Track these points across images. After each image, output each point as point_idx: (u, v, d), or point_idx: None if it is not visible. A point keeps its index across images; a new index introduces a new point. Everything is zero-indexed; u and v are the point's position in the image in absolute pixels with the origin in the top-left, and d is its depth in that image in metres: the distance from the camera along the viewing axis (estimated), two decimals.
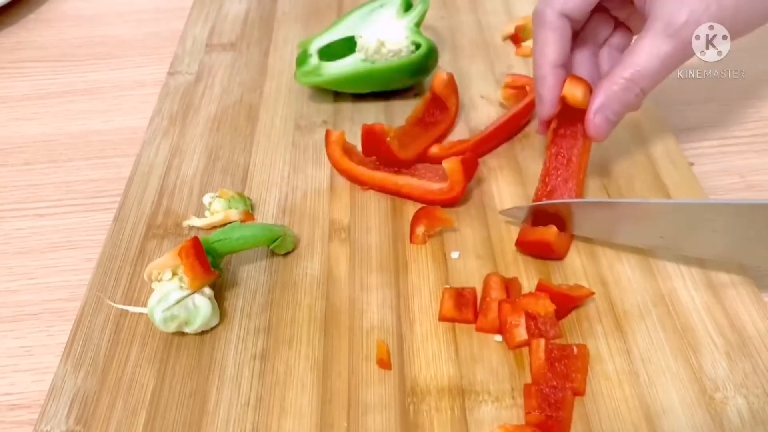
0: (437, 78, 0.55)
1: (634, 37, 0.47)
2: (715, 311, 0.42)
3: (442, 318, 0.43)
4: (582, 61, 0.49)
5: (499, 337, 0.42)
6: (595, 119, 0.45)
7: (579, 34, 0.48)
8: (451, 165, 0.48)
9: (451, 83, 0.55)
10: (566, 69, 0.47)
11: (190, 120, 0.61)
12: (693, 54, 0.43)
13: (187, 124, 0.60)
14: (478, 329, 0.42)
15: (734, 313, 0.42)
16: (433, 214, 0.48)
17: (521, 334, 0.41)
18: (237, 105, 0.62)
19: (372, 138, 0.51)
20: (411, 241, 0.48)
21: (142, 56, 0.72)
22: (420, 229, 0.48)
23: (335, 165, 0.53)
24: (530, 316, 0.41)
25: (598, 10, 0.48)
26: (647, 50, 0.42)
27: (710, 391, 0.38)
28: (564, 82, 0.46)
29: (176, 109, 0.62)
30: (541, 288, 0.43)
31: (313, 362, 0.41)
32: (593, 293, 0.43)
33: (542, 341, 0.40)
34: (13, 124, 0.64)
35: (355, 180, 0.53)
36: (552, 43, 0.46)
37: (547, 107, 0.47)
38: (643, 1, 0.44)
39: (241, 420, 0.39)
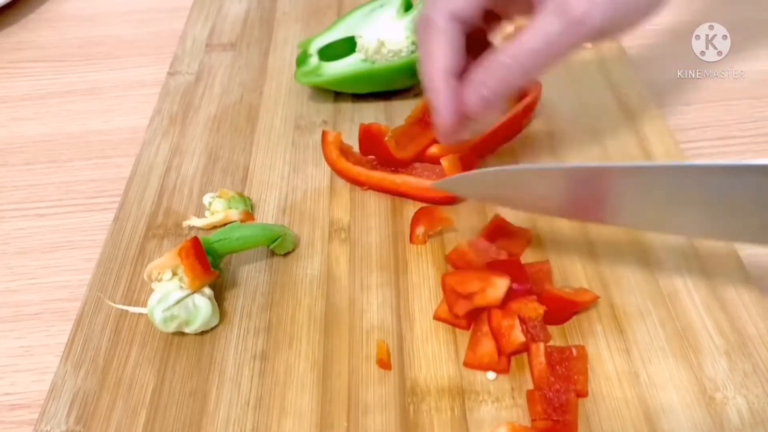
0: None
1: None
2: (715, 311, 0.42)
3: (437, 317, 0.43)
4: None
5: (492, 374, 0.40)
6: (471, 95, 0.42)
7: (478, 40, 0.46)
8: (449, 162, 0.49)
9: None
10: (459, 78, 0.43)
11: (190, 120, 0.61)
12: (585, 39, 0.40)
13: (187, 124, 0.60)
14: (466, 365, 0.40)
15: (734, 313, 0.42)
16: (433, 214, 0.48)
17: (518, 336, 0.40)
18: (237, 105, 0.62)
19: (369, 137, 0.51)
20: (411, 241, 0.48)
21: (142, 56, 0.72)
22: (420, 230, 0.48)
23: (332, 166, 0.53)
24: (521, 320, 0.41)
25: (496, 17, 0.46)
26: (534, 28, 0.40)
27: (710, 391, 0.38)
28: (457, 93, 0.42)
29: (176, 109, 0.62)
30: (543, 293, 0.42)
31: (313, 362, 0.41)
32: (597, 297, 0.42)
33: (541, 345, 0.40)
34: (13, 124, 0.64)
35: (352, 180, 0.53)
36: (442, 49, 0.42)
37: (446, 118, 0.43)
38: None
39: (241, 420, 0.39)
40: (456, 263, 0.46)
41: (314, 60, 0.59)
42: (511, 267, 0.43)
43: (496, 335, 0.41)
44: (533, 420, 0.38)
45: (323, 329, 0.43)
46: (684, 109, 0.59)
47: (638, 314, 0.42)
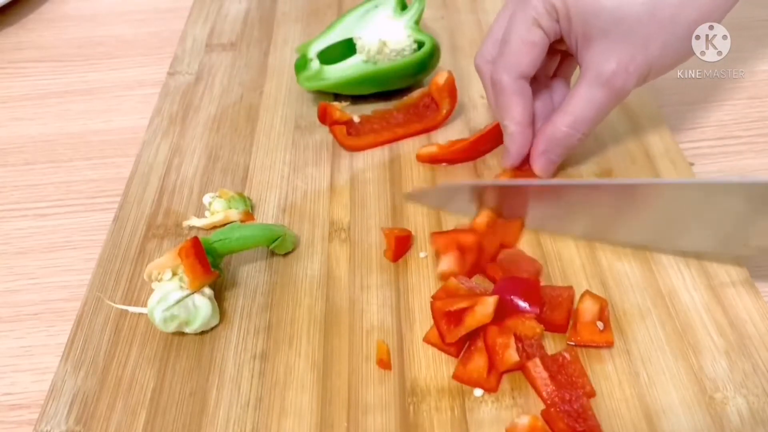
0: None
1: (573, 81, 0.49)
2: (715, 311, 0.42)
3: (426, 341, 0.42)
4: (537, 97, 0.50)
5: (479, 392, 0.39)
6: (540, 160, 0.49)
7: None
8: (438, 89, 0.55)
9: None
10: (533, 126, 0.49)
11: (190, 120, 0.61)
12: (626, 96, 0.46)
13: (187, 124, 0.60)
14: (455, 377, 0.40)
15: (734, 313, 0.42)
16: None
17: (512, 355, 0.39)
18: (237, 105, 0.62)
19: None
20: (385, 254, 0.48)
21: (142, 56, 0.72)
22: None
23: (342, 143, 0.56)
24: (517, 338, 0.40)
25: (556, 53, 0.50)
26: (583, 99, 0.46)
27: (710, 391, 0.38)
28: (530, 137, 0.49)
29: (176, 109, 0.62)
30: (554, 321, 0.41)
31: (313, 362, 0.41)
32: (613, 343, 0.41)
33: (537, 360, 0.39)
34: (13, 124, 0.64)
35: (361, 149, 0.56)
36: (517, 105, 0.48)
37: (513, 161, 0.50)
38: (574, 44, 0.46)
39: (241, 420, 0.39)
40: (444, 298, 0.43)
41: (315, 64, 0.59)
42: (525, 286, 0.42)
43: (490, 352, 0.40)
44: None
45: (323, 329, 0.43)
46: (684, 109, 0.59)
47: (638, 314, 0.42)
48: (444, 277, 0.44)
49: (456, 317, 0.40)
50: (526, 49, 0.46)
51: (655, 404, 0.38)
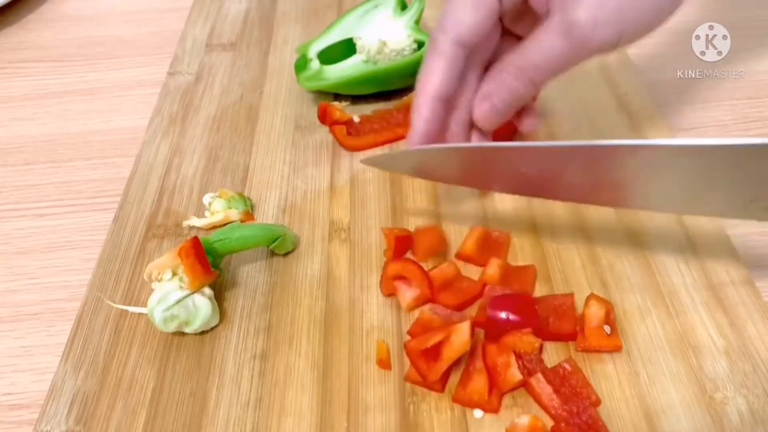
0: None
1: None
2: (715, 311, 0.42)
3: (407, 379, 0.40)
4: (472, 79, 0.45)
5: (479, 413, 0.38)
6: (482, 104, 0.43)
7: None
8: None
9: None
10: (448, 104, 0.44)
11: (190, 120, 0.61)
12: (589, 55, 0.41)
13: (187, 124, 0.60)
14: (454, 400, 0.39)
15: (734, 313, 0.42)
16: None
17: (515, 374, 0.38)
18: (237, 105, 0.62)
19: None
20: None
21: (142, 56, 0.72)
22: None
23: (342, 143, 0.56)
24: (516, 355, 0.39)
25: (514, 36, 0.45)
26: (541, 45, 0.41)
27: (710, 391, 0.38)
28: (438, 118, 0.43)
29: (176, 109, 0.62)
30: (559, 331, 0.41)
31: (313, 362, 0.41)
32: (621, 347, 0.41)
33: (539, 375, 0.38)
34: (13, 124, 0.64)
35: (361, 149, 0.56)
36: (437, 72, 0.43)
37: (416, 138, 0.44)
38: (541, 1, 0.41)
39: (241, 420, 0.39)
40: (420, 332, 0.41)
41: (315, 64, 0.59)
42: (518, 302, 0.41)
43: (491, 372, 0.39)
44: None
45: (323, 329, 0.43)
46: (684, 109, 0.59)
47: (638, 314, 0.42)
48: (410, 308, 0.43)
49: (433, 353, 0.38)
50: (470, 7, 0.42)
51: (655, 404, 0.38)
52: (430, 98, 0.43)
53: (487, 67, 0.45)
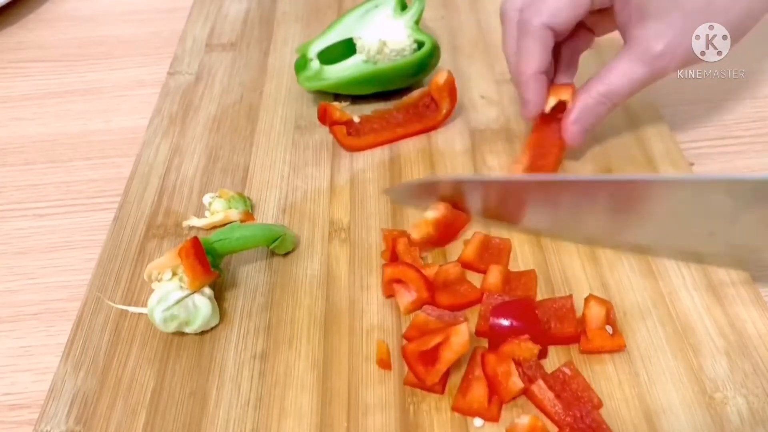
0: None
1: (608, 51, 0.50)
2: (715, 311, 0.42)
3: (407, 383, 0.40)
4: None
5: (479, 422, 0.38)
6: (572, 128, 0.49)
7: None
8: (438, 89, 0.55)
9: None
10: (547, 74, 0.50)
11: (190, 120, 0.61)
12: (663, 77, 0.46)
13: (187, 124, 0.60)
14: (454, 409, 0.38)
15: (734, 313, 0.42)
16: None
17: (516, 383, 0.38)
18: (237, 105, 0.62)
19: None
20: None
21: (142, 56, 0.72)
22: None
23: (342, 143, 0.56)
24: (516, 363, 0.39)
25: (585, 28, 0.51)
26: (623, 72, 0.46)
27: (710, 391, 0.38)
28: (545, 85, 0.49)
29: (176, 109, 0.62)
30: (561, 334, 0.41)
31: (313, 362, 0.41)
32: (624, 346, 0.41)
33: (541, 382, 0.38)
34: (13, 124, 0.64)
35: (361, 149, 0.56)
36: (536, 53, 0.48)
37: (532, 109, 0.50)
38: (626, 20, 0.47)
39: (241, 420, 0.39)
40: (417, 335, 0.41)
41: (315, 64, 0.59)
42: (520, 308, 0.41)
43: (492, 382, 0.38)
44: None
45: (323, 329, 0.43)
46: (684, 109, 0.59)
47: (638, 314, 0.42)
48: (408, 310, 0.43)
49: (431, 355, 0.38)
50: (569, 2, 0.47)
51: (656, 404, 0.38)
52: (534, 74, 0.48)
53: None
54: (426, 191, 0.49)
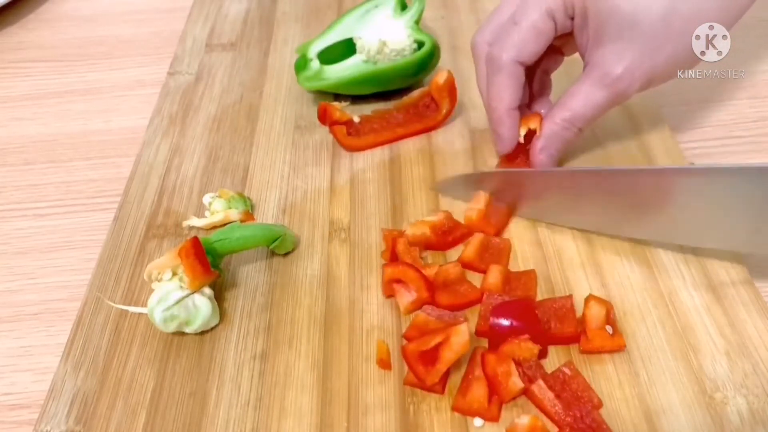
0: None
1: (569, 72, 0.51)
2: (715, 311, 0.42)
3: (406, 383, 0.40)
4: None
5: (479, 422, 0.38)
6: (540, 156, 0.49)
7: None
8: (438, 89, 0.55)
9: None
10: (520, 109, 0.50)
11: (190, 120, 0.61)
12: (625, 100, 0.47)
13: (187, 124, 0.60)
14: (454, 408, 0.38)
15: (734, 313, 0.42)
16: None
17: (516, 383, 0.38)
18: (237, 105, 0.62)
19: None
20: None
21: (142, 56, 0.72)
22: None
23: (342, 143, 0.56)
24: (516, 363, 0.39)
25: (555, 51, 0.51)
26: (583, 96, 0.47)
27: (710, 391, 0.38)
28: (518, 121, 0.49)
29: (176, 109, 0.62)
30: (561, 335, 0.41)
31: (313, 362, 0.41)
32: (624, 346, 0.41)
33: (541, 382, 0.38)
34: (13, 124, 0.64)
35: (361, 149, 0.56)
36: (508, 89, 0.48)
37: (506, 145, 0.50)
38: (584, 44, 0.47)
39: (241, 420, 0.39)
40: (417, 335, 0.41)
41: (315, 64, 0.59)
42: (520, 310, 0.41)
43: (492, 382, 0.38)
44: None
45: (323, 329, 0.43)
46: (684, 109, 0.59)
47: (638, 314, 0.42)
48: (408, 311, 0.43)
49: (431, 355, 0.38)
50: (533, 36, 0.47)
51: (655, 404, 0.38)
52: (507, 110, 0.49)
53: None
54: (473, 183, 0.50)
